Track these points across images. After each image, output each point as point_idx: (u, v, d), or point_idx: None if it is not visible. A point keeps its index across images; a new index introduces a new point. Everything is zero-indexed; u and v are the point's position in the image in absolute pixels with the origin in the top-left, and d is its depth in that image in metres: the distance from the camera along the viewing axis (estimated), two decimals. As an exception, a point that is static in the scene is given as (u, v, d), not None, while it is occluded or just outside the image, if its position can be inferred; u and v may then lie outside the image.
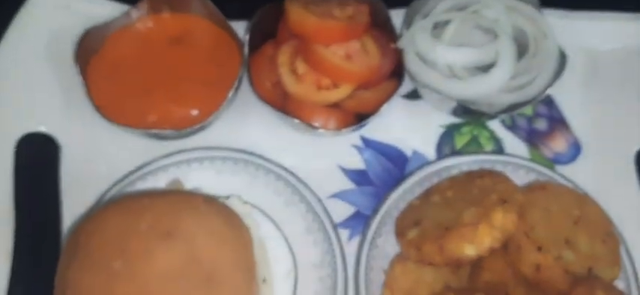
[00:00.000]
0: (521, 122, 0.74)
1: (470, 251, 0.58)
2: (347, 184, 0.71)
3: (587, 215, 0.64)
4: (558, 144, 0.72)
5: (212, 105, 0.68)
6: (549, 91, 0.70)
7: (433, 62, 0.68)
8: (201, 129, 0.70)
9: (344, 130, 0.68)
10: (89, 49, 0.70)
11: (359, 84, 0.67)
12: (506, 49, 0.66)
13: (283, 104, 0.68)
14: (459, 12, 0.69)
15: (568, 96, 0.74)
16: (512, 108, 0.69)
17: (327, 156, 0.71)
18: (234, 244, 0.58)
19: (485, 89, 0.65)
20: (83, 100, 0.68)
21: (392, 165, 0.71)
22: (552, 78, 0.67)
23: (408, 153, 0.72)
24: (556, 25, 0.71)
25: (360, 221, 0.68)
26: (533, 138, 0.73)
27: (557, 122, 0.74)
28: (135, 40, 0.72)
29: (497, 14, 0.68)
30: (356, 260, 0.65)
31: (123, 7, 0.74)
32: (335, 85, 0.67)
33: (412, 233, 0.62)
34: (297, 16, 0.66)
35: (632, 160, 0.71)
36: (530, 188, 0.66)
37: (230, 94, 0.67)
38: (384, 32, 0.71)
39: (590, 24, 0.75)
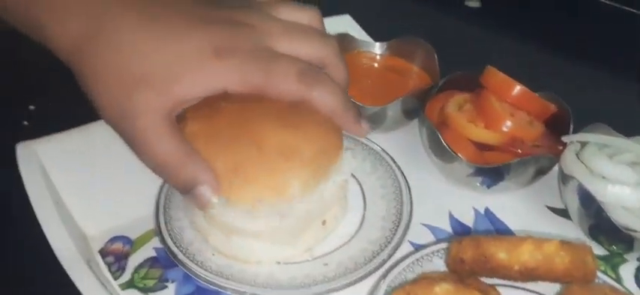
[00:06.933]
0: (670, 299, 0.60)
1: (502, 254, 0.50)
2: (445, 225, 0.68)
3: None
4: None
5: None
6: None
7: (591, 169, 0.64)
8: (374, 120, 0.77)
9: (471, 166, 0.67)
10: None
11: (508, 140, 0.69)
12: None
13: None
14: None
15: None
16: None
17: (444, 199, 0.71)
18: (323, 138, 0.60)
19: (626, 196, 0.58)
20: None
21: (498, 241, 0.65)
22: None
23: (522, 246, 0.65)
24: None
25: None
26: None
27: None
28: (365, 59, 0.88)
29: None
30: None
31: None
32: (485, 127, 0.69)
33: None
34: (491, 70, 0.74)
35: None
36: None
37: (394, 101, 0.75)
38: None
39: None
